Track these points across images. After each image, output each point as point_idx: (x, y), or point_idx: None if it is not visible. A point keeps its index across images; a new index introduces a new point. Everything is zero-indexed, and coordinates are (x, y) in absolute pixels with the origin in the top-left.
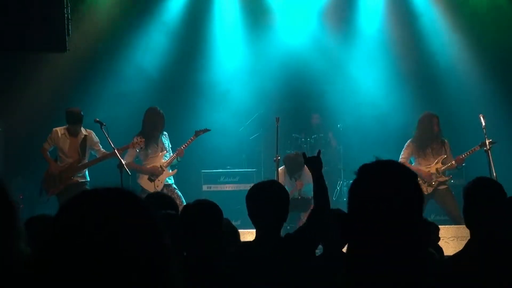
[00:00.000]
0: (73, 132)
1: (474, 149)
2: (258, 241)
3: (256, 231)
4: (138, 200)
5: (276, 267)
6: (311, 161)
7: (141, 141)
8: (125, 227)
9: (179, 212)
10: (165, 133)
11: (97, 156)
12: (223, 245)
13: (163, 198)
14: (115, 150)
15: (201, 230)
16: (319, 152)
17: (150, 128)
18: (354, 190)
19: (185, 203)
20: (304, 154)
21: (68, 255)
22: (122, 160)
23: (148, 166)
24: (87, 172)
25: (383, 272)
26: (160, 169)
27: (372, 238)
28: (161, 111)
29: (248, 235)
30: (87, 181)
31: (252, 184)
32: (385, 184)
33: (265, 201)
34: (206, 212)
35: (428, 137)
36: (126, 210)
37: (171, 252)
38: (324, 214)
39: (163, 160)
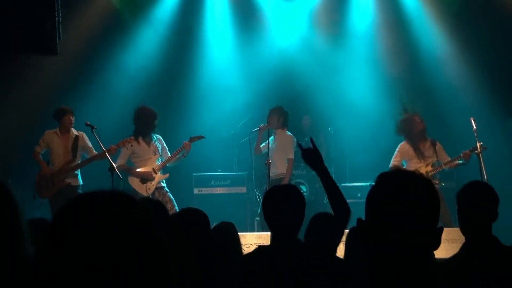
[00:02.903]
0: (64, 131)
1: (465, 153)
2: (273, 245)
3: (271, 235)
4: (136, 203)
5: (292, 272)
6: (308, 155)
7: (130, 139)
8: (124, 230)
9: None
10: (159, 136)
11: (88, 157)
12: (211, 252)
13: (153, 204)
14: (106, 153)
15: (187, 237)
16: (313, 141)
17: (141, 126)
18: (372, 198)
19: (176, 207)
20: (300, 145)
21: (67, 261)
22: (113, 163)
23: (140, 169)
24: (79, 176)
25: (400, 274)
26: (153, 172)
27: (391, 243)
28: (153, 108)
29: (241, 238)
30: (80, 184)
31: (243, 188)
32: (404, 192)
33: (281, 204)
34: (191, 220)
35: (414, 136)
36: (125, 213)
37: (171, 256)
38: (345, 223)
39: (156, 163)
